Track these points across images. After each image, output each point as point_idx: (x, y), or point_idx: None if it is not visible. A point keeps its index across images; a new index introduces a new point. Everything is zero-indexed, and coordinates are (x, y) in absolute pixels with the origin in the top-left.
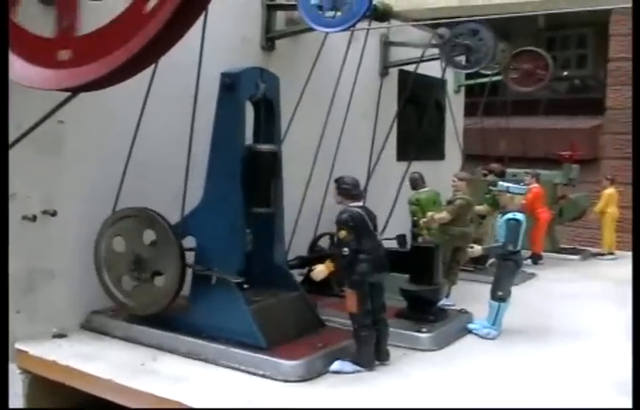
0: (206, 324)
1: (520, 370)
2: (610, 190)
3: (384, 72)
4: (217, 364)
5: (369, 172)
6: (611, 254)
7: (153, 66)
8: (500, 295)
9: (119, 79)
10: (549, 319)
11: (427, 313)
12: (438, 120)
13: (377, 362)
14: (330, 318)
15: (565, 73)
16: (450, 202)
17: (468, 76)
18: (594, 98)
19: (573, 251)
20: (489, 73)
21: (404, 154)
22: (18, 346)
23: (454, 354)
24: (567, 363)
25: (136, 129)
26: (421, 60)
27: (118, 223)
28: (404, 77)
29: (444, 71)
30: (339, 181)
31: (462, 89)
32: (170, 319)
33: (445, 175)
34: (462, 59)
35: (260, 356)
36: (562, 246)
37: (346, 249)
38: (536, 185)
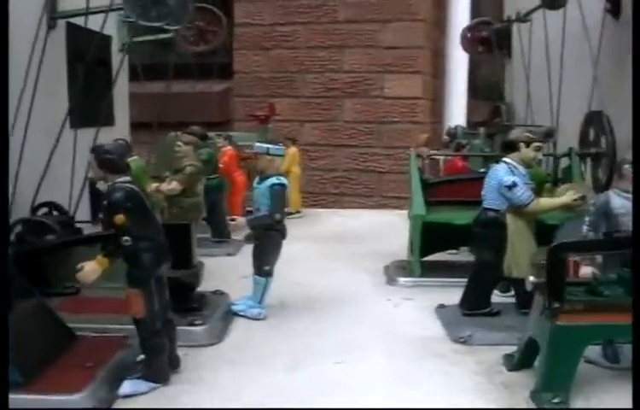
0: None
1: (327, 347)
2: (293, 150)
3: (52, 24)
4: None
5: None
6: (298, 212)
7: None
8: (267, 269)
9: None
10: (302, 287)
11: (189, 300)
12: (105, 81)
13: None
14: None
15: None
16: (178, 171)
17: (136, 34)
18: (221, 62)
19: None
20: (171, 28)
21: (75, 120)
22: None
23: (242, 344)
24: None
25: None
26: (87, 12)
27: None
28: (72, 31)
29: (103, 24)
30: (98, 150)
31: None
32: None
33: None
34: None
35: (24, 397)
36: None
37: (127, 238)
38: (229, 147)
